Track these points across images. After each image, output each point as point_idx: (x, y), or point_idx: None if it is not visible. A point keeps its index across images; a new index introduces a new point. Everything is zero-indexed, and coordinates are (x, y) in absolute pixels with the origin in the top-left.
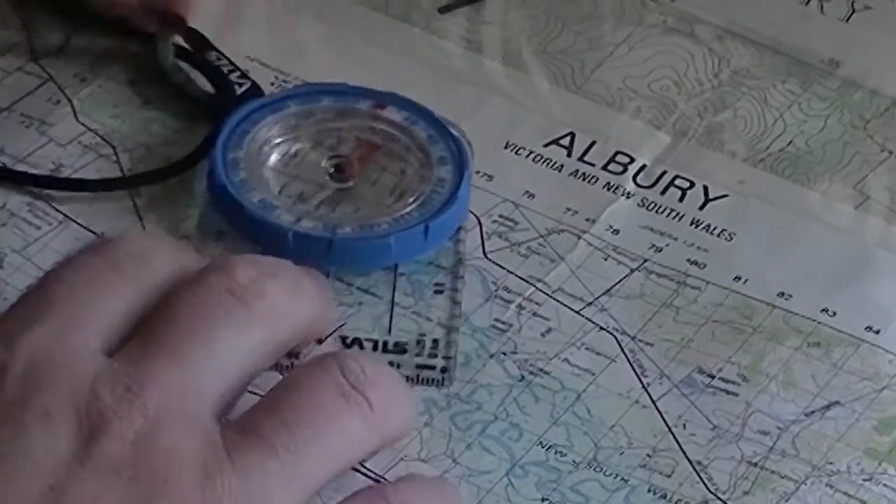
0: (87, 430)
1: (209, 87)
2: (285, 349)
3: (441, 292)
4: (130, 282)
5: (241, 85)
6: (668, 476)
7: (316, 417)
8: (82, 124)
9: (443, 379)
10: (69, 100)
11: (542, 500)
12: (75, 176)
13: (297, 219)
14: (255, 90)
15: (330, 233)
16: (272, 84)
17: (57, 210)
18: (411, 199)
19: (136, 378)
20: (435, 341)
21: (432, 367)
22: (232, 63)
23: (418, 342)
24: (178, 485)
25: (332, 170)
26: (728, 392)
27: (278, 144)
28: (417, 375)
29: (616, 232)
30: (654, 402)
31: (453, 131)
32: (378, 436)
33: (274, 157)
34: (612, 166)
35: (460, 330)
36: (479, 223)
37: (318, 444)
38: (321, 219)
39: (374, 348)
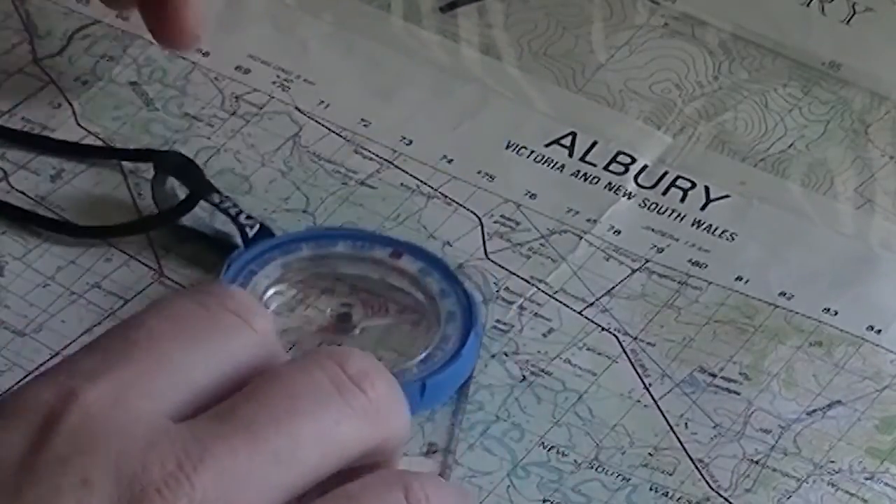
0: None
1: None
2: (370, 453)
3: (434, 452)
4: (222, 340)
5: (251, 227)
6: (670, 474)
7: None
8: (83, 128)
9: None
10: (70, 104)
11: (544, 500)
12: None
13: None
14: (265, 232)
15: None
16: (273, 83)
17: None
18: (415, 354)
19: (194, 455)
20: None
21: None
22: (235, 204)
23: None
24: None
25: (335, 319)
26: (730, 391)
27: (282, 289)
28: None
29: (617, 232)
30: (655, 401)
31: (466, 286)
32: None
33: (277, 302)
34: (613, 166)
35: None
36: (481, 223)
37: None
38: None
39: None
